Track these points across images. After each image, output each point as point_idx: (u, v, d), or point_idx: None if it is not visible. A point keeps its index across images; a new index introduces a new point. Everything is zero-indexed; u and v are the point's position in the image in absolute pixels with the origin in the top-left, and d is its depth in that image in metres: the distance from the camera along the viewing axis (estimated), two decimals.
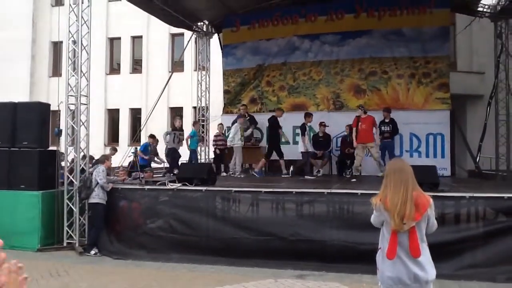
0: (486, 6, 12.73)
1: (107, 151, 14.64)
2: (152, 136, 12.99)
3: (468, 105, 16.54)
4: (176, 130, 12.37)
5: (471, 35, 15.99)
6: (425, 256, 3.35)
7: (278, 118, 11.72)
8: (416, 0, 12.59)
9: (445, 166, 11.93)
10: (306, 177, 10.79)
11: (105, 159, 9.12)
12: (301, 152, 11.31)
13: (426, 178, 7.17)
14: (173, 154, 12.08)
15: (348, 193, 7.73)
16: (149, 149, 12.67)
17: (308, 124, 11.45)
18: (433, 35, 12.43)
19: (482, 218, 7.46)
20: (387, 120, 11.40)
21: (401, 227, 3.28)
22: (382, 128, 11.37)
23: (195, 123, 13.02)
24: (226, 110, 14.36)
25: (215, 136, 12.71)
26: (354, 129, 11.08)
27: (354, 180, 10.30)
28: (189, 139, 12.38)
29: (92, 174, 8.58)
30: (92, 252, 8.34)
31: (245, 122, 12.33)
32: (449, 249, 6.68)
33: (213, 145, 12.57)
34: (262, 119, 13.11)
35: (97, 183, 8.43)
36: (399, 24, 12.76)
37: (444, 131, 12.05)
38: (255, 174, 11.50)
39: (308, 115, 11.47)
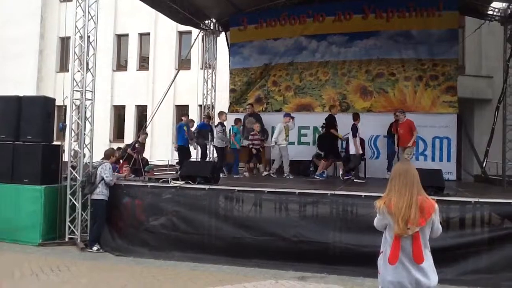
0: (496, 10, 12.60)
1: (112, 146, 14.59)
2: (185, 115, 12.84)
3: (476, 109, 16.43)
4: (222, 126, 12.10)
5: (480, 38, 15.88)
6: (428, 262, 3.29)
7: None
8: (425, 2, 12.47)
9: (451, 170, 11.83)
10: (354, 180, 10.70)
11: (110, 154, 9.10)
12: (352, 155, 10.99)
13: (432, 182, 7.10)
14: (221, 152, 11.97)
15: (352, 195, 7.66)
16: (185, 129, 12.43)
17: (358, 124, 11.04)
18: (441, 38, 12.30)
19: (487, 223, 7.38)
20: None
21: (405, 232, 3.21)
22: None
23: (237, 121, 12.49)
24: (232, 109, 14.29)
25: (251, 135, 12.20)
26: (395, 135, 10.92)
27: None
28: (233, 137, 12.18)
29: (96, 169, 8.54)
30: (94, 248, 8.32)
31: (290, 121, 11.87)
32: (453, 254, 6.61)
33: (250, 144, 12.13)
34: (267, 119, 13.06)
35: (101, 179, 8.40)
36: (407, 25, 12.64)
37: (450, 135, 11.93)
38: (317, 177, 11.17)
39: (357, 116, 11.18)
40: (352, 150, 10.94)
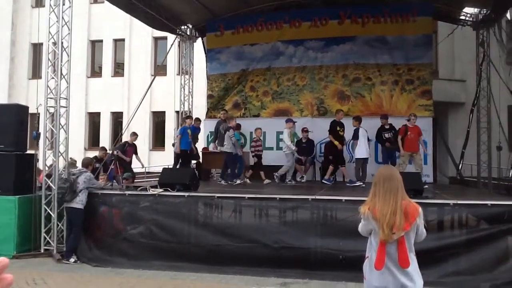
0: (468, 15, 12.88)
1: (88, 154, 14.30)
2: (189, 117, 12.30)
3: (449, 113, 16.73)
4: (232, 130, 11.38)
5: (453, 43, 16.20)
6: (413, 267, 3.28)
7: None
8: (399, 8, 12.67)
9: (428, 172, 11.96)
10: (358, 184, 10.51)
11: (88, 163, 8.92)
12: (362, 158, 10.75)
13: (410, 184, 7.14)
14: (233, 158, 11.25)
15: (332, 200, 7.66)
16: (189, 132, 11.68)
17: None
18: (416, 43, 12.52)
19: (465, 225, 7.47)
20: (387, 127, 11.07)
21: (391, 238, 3.20)
22: (386, 135, 11.03)
23: (239, 126, 11.87)
24: (209, 115, 14.23)
25: (254, 141, 11.99)
26: (400, 137, 10.51)
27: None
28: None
29: (77, 177, 8.31)
30: (71, 259, 8.08)
31: (294, 126, 11.55)
32: (434, 256, 6.65)
33: (252, 150, 11.92)
34: (245, 124, 13.01)
35: (82, 188, 8.19)
36: (383, 31, 12.82)
37: (427, 138, 12.06)
38: (325, 182, 10.94)
39: (359, 119, 11.07)
40: (364, 154, 10.69)
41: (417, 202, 3.48)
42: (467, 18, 12.95)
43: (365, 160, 10.83)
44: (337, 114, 11.54)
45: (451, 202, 7.18)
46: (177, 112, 14.96)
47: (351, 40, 13.06)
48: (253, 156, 11.98)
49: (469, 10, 12.86)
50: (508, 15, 11.22)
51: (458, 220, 7.49)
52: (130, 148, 12.05)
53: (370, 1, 12.92)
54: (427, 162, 12.08)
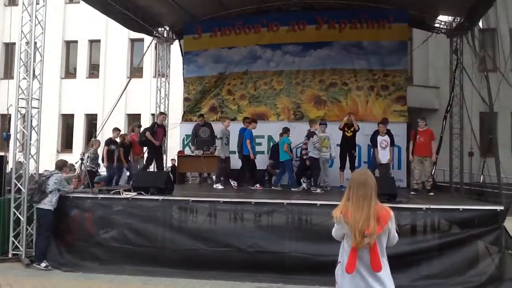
0: (443, 23, 13.12)
1: (60, 157, 13.95)
2: (254, 121, 11.48)
3: None
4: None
5: (428, 50, 16.49)
6: (385, 271, 3.27)
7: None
8: (376, 14, 12.83)
9: (401, 177, 12.11)
10: None
11: (62, 165, 8.72)
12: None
13: (385, 189, 7.21)
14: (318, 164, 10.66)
15: (307, 204, 7.66)
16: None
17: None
18: (392, 49, 12.71)
19: (437, 229, 7.56)
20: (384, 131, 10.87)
21: (362, 244, 3.18)
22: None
23: (286, 130, 11.18)
24: (185, 118, 14.13)
25: (304, 144, 11.36)
26: (411, 142, 10.20)
27: (432, 194, 9.85)
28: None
29: (47, 178, 8.10)
30: (43, 264, 7.81)
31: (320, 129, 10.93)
32: (405, 260, 6.69)
33: (303, 153, 11.37)
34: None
35: (53, 190, 7.98)
36: (359, 37, 12.96)
37: (400, 143, 12.19)
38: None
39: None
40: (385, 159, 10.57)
41: (390, 207, 3.48)
42: (441, 26, 13.19)
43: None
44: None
45: (423, 206, 7.27)
46: (153, 114, 14.80)
47: (328, 45, 13.17)
48: (305, 160, 11.38)
49: (443, 18, 13.10)
50: (480, 24, 11.43)
51: (431, 225, 7.57)
52: (160, 130, 11.24)
53: (347, 6, 13.04)
54: (401, 167, 12.23)
